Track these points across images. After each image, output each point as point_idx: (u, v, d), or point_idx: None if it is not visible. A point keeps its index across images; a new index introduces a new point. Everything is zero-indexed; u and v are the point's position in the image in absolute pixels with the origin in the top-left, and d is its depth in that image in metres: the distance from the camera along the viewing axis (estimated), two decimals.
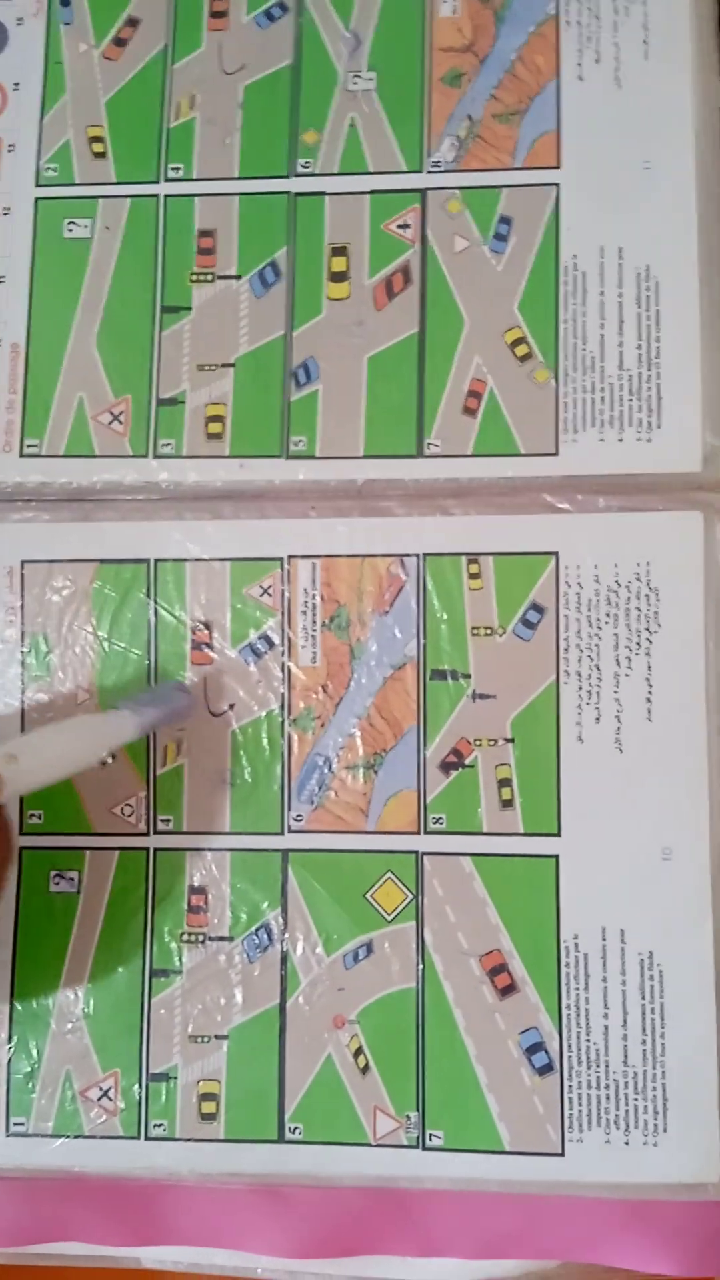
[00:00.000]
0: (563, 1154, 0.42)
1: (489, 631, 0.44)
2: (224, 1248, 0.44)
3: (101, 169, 0.48)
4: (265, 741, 0.45)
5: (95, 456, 0.46)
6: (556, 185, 0.45)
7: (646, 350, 0.44)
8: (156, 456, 0.46)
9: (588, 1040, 0.43)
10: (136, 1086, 0.44)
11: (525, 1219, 0.43)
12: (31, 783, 0.40)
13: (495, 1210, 0.43)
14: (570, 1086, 0.43)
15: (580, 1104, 0.42)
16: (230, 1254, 0.44)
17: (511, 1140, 0.43)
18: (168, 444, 0.46)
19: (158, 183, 0.47)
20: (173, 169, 0.47)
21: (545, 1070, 0.43)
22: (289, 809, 0.45)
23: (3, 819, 0.40)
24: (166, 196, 0.47)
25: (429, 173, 0.46)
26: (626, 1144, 0.42)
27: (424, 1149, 0.43)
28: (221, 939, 0.44)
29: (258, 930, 0.44)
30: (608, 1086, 0.42)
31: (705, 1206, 0.42)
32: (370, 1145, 0.43)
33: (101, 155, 0.48)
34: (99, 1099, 0.44)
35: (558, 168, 0.45)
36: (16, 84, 0.49)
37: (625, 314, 0.44)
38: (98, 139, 0.48)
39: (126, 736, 0.42)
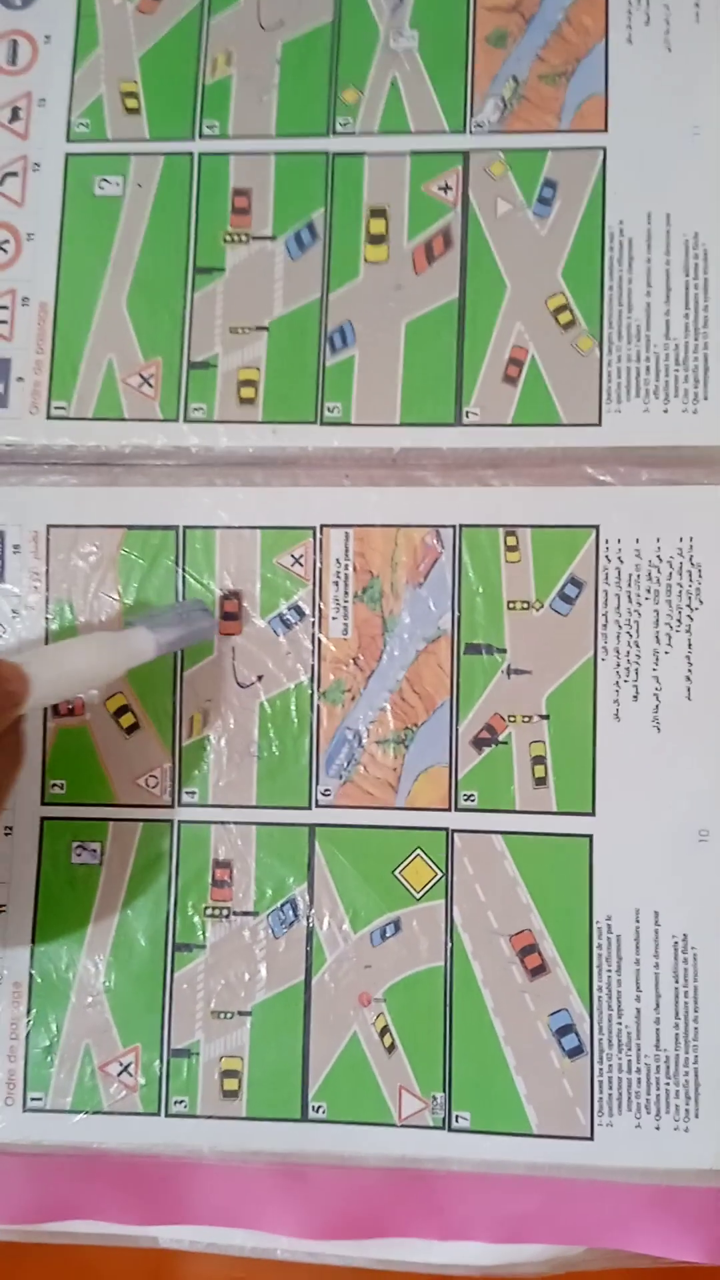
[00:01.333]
0: (592, 1138, 0.42)
1: (526, 606, 0.43)
2: (244, 1228, 0.43)
3: (134, 125, 0.46)
4: (294, 714, 0.44)
5: (124, 420, 0.45)
6: (603, 149, 0.44)
7: (694, 319, 0.43)
8: (187, 421, 0.45)
9: (619, 1023, 0.42)
10: (157, 1062, 0.43)
11: (550, 1203, 0.42)
12: (46, 695, 0.38)
13: (520, 1194, 0.42)
14: (601, 1070, 0.42)
15: (611, 1088, 0.42)
16: (250, 1234, 0.43)
17: (540, 1123, 0.42)
18: (199, 408, 0.45)
19: (192, 140, 0.46)
20: (208, 126, 0.46)
21: (575, 1053, 0.42)
22: (317, 783, 0.44)
23: (20, 729, 0.40)
24: (201, 154, 0.46)
25: (472, 134, 0.45)
26: (657, 1129, 0.41)
27: (450, 1130, 0.42)
28: (246, 914, 0.44)
29: (283, 905, 0.43)
30: (639, 1070, 0.42)
31: None
32: (395, 1126, 0.42)
33: (135, 111, 0.46)
34: (119, 1074, 0.43)
35: (605, 131, 0.44)
36: (48, 36, 0.47)
37: (672, 282, 0.43)
38: (131, 94, 0.47)
39: (145, 655, 0.41)
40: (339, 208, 0.45)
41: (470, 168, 0.45)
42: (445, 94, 0.45)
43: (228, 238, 0.46)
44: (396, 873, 0.43)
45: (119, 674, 0.40)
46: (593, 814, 0.43)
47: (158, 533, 0.45)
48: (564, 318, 0.44)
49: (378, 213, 0.45)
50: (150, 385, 0.45)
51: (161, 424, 0.45)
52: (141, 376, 0.45)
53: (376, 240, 0.45)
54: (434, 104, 0.45)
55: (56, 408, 0.45)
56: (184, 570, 0.44)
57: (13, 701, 0.37)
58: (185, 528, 0.45)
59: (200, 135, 0.46)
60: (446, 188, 0.45)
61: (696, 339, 0.43)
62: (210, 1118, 0.43)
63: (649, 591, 0.43)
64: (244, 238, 0.46)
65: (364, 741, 0.44)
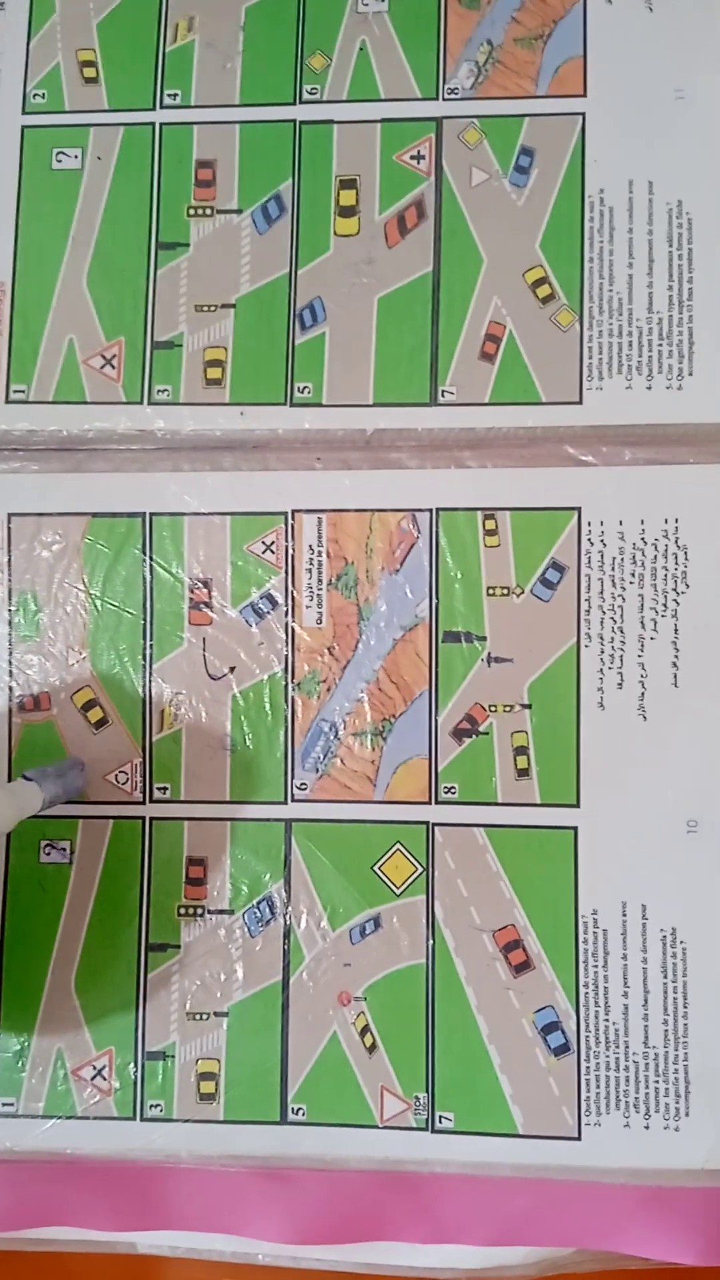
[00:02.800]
0: (579, 1138, 0.41)
1: (506, 591, 0.42)
2: (224, 1233, 0.42)
3: (93, 95, 0.45)
4: (268, 706, 0.43)
5: (87, 403, 0.44)
6: (582, 114, 0.43)
7: (678, 291, 0.42)
8: (152, 403, 0.43)
9: (606, 1020, 0.41)
10: (132, 1066, 0.42)
11: (538, 1205, 0.41)
12: None
13: (507, 1195, 0.41)
14: (588, 1068, 0.41)
15: (598, 1086, 0.41)
16: (230, 1239, 0.42)
17: (525, 1123, 0.41)
18: (164, 390, 0.43)
19: (153, 110, 0.44)
20: (169, 95, 0.44)
21: (561, 1051, 0.41)
22: (293, 777, 0.42)
23: None
24: (163, 125, 0.44)
25: (445, 100, 0.43)
26: (646, 1128, 0.40)
27: (433, 1131, 0.41)
28: (221, 912, 0.42)
29: (259, 903, 0.42)
30: (627, 1068, 0.41)
31: None
32: (377, 1127, 0.41)
33: (93, 80, 0.45)
34: (92, 1078, 0.42)
35: (584, 96, 0.43)
36: (1, 3, 0.45)
37: (655, 252, 0.42)
38: (89, 63, 0.45)
39: (32, 809, 0.39)
40: (307, 179, 0.43)
41: (444, 135, 0.43)
42: (417, 59, 0.43)
43: (192, 211, 0.44)
44: (376, 868, 0.42)
45: (8, 828, 0.38)
46: (577, 805, 0.41)
47: (124, 520, 0.43)
48: (542, 291, 0.42)
49: (348, 184, 0.43)
50: (113, 367, 0.44)
51: (125, 407, 0.43)
52: (104, 358, 0.44)
53: (347, 212, 0.43)
54: (405, 69, 0.43)
55: (15, 391, 0.44)
56: (151, 559, 0.43)
57: None
58: (152, 515, 0.43)
59: (162, 105, 0.44)
60: (419, 157, 0.43)
61: (680, 312, 0.42)
62: (187, 1121, 0.42)
63: (633, 575, 0.42)
64: (209, 211, 0.44)
65: (340, 734, 0.42)
